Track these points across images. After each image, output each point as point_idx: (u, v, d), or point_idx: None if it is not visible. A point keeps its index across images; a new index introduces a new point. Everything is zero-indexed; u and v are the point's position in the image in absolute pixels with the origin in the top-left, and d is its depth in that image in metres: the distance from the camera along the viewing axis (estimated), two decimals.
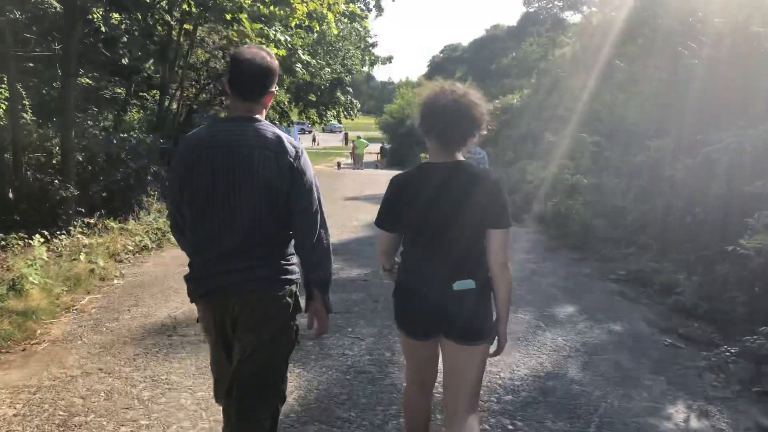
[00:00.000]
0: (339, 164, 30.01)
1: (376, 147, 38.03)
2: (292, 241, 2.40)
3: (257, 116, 2.36)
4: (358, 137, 34.30)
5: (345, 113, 24.77)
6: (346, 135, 46.35)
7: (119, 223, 7.68)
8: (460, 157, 2.41)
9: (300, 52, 10.74)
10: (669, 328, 5.06)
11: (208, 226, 2.30)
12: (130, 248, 7.09)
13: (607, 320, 5.26)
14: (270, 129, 2.33)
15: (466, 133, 2.36)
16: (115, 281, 6.08)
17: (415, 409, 2.66)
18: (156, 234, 7.81)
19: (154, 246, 7.58)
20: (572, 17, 44.86)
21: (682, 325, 5.09)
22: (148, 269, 6.68)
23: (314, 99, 19.47)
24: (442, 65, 66.17)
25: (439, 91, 2.39)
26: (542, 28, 48.50)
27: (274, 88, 2.45)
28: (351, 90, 21.24)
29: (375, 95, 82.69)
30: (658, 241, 7.23)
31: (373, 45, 21.44)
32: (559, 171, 10.86)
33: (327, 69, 13.62)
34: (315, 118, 22.45)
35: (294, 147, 2.33)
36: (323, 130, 61.87)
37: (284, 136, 2.36)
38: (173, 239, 8.07)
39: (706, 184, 6.72)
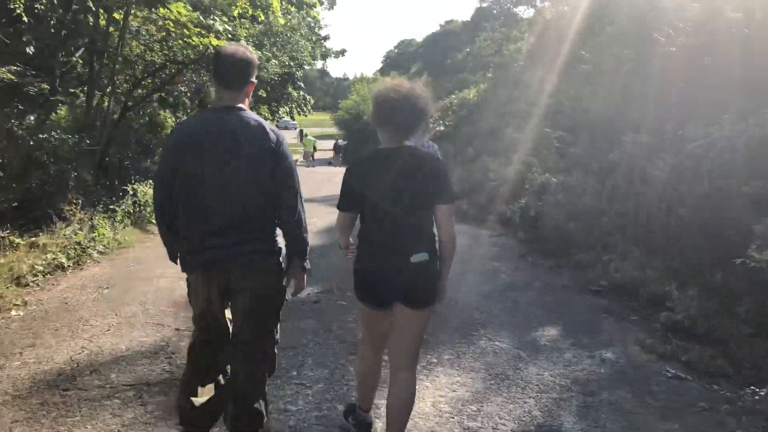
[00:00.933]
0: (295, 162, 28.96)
1: (329, 143, 36.98)
2: (276, 218, 2.67)
3: (241, 105, 2.59)
4: (306, 134, 33.27)
5: (298, 109, 23.74)
6: (301, 132, 44.87)
7: (29, 237, 6.53)
8: (408, 142, 2.68)
9: (243, 42, 9.70)
10: (668, 354, 4.31)
11: (201, 204, 2.53)
12: (40, 268, 5.98)
13: (596, 346, 4.49)
14: (253, 117, 2.58)
15: (413, 123, 2.62)
16: (13, 313, 5.00)
17: (368, 365, 2.94)
18: (75, 249, 6.70)
19: (71, 264, 6.47)
20: (525, 12, 44.73)
21: (683, 349, 4.35)
22: (59, 294, 5.60)
23: (264, 95, 18.38)
24: (397, 61, 65.42)
25: (389, 87, 2.63)
26: (496, 23, 48.46)
27: (254, 79, 2.68)
28: (303, 85, 20.16)
29: (330, 91, 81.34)
30: (639, 246, 6.54)
31: (325, 38, 20.37)
32: (524, 168, 10.14)
33: (274, 61, 12.47)
34: (267, 114, 21.31)
35: (275, 133, 2.58)
36: (277, 127, 60.29)
37: (266, 123, 2.60)
38: (95, 255, 7.13)
39: (690, 183, 6.06)
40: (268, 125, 2.59)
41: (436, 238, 2.69)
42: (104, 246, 7.09)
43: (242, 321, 2.63)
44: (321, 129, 54.50)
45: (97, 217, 7.66)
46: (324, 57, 20.23)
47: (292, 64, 17.57)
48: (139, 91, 11.65)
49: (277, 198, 2.59)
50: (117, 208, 8.36)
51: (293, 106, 22.97)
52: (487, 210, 9.76)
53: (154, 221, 8.99)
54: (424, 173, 2.58)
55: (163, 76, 11.81)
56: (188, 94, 12.40)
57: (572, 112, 11.27)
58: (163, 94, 11.96)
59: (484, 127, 15.76)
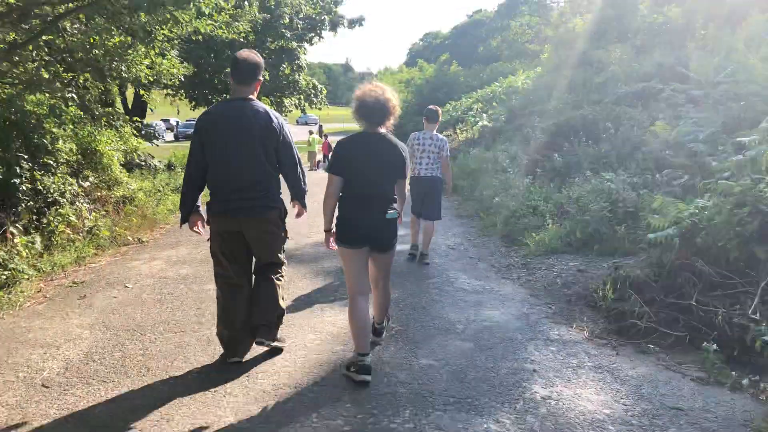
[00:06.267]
0: (318, 163, 23.06)
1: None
2: (280, 181, 3.51)
3: (251, 97, 3.45)
4: (311, 132, 27.74)
5: (307, 102, 18.23)
6: (320, 127, 38.91)
7: None
8: (382, 130, 3.42)
9: None
10: None
11: (224, 170, 3.39)
12: None
13: None
14: (261, 106, 3.43)
15: (384, 118, 3.37)
16: None
17: (359, 313, 3.41)
18: None
19: None
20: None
21: None
22: None
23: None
24: (422, 54, 59.48)
25: (367, 91, 3.34)
26: (527, 12, 42.64)
27: (261, 78, 3.56)
28: (304, 66, 14.56)
29: (354, 86, 75.80)
30: None
31: (336, 3, 14.57)
32: (727, 201, 4.36)
33: (218, 0, 6.91)
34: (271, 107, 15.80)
35: (278, 118, 3.47)
36: (297, 123, 54.61)
37: (271, 111, 3.46)
38: None
39: None
40: (273, 112, 3.46)
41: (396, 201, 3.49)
42: None
43: (257, 248, 3.58)
44: (342, 125, 49.21)
45: None
46: (334, 26, 14.46)
47: (288, 34, 11.92)
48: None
49: (281, 166, 3.50)
50: None
51: (301, 97, 17.43)
52: (673, 313, 4.00)
53: None
54: (391, 155, 3.37)
55: (26, 28, 6.29)
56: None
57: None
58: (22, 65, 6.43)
59: (565, 121, 9.94)
